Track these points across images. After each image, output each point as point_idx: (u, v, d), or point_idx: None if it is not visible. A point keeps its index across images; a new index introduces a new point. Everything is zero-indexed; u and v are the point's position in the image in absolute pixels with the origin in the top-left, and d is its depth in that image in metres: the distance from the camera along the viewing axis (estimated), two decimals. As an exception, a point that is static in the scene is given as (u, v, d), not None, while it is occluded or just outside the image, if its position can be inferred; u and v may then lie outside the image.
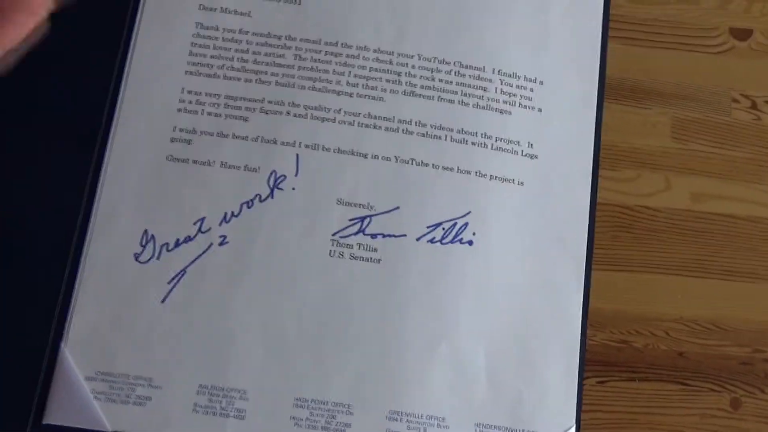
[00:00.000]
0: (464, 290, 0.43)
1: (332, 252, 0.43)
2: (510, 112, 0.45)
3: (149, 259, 0.42)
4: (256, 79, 0.45)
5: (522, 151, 0.45)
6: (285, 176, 0.43)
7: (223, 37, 0.45)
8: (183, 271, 0.42)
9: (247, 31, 0.45)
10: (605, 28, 0.47)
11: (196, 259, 0.42)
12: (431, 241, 0.43)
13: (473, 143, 0.44)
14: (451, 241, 0.43)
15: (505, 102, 0.45)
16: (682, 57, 0.48)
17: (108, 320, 0.41)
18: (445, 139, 0.44)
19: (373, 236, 0.43)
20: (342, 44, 0.45)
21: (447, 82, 0.45)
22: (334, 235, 0.43)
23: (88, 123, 0.44)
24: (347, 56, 0.45)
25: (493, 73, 0.45)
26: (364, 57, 0.45)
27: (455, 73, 0.45)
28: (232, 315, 0.42)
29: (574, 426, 0.42)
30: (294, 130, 0.44)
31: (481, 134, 0.44)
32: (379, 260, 0.43)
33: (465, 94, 0.45)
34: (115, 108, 0.44)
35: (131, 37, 0.45)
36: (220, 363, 0.41)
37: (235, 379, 0.41)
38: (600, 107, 0.46)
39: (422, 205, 0.43)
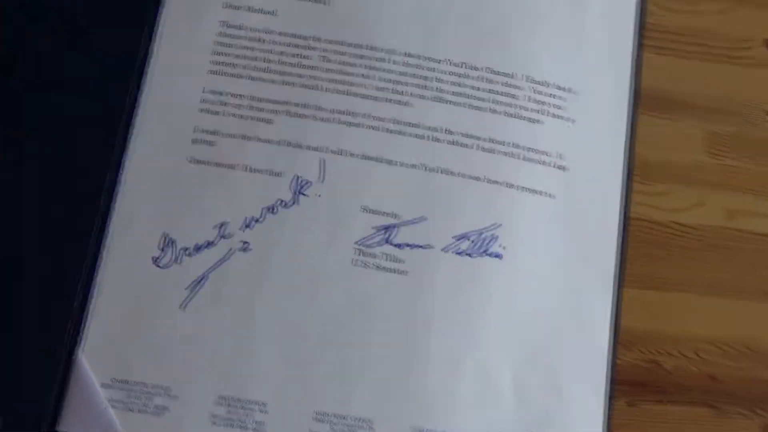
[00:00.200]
0: (491, 304, 0.42)
1: (356, 261, 0.42)
2: (540, 122, 0.44)
3: (169, 264, 0.41)
4: (281, 81, 0.44)
5: (552, 162, 0.44)
6: (310, 182, 0.42)
7: (247, 37, 0.44)
8: (203, 277, 0.41)
9: (273, 31, 0.44)
10: (639, 37, 0.46)
11: (217, 264, 0.41)
12: (458, 252, 0.42)
13: (502, 153, 0.43)
14: (480, 254, 0.42)
15: (535, 111, 0.44)
16: (715, 68, 0.47)
17: (125, 326, 0.40)
18: (474, 148, 0.43)
19: (399, 246, 0.42)
20: (369, 47, 0.44)
21: (476, 88, 0.44)
22: (357, 243, 0.42)
23: (107, 122, 0.43)
24: (375, 59, 0.44)
25: (524, 80, 0.44)
26: (392, 60, 0.44)
27: (485, 79, 0.44)
28: (253, 324, 0.41)
29: (602, 447, 0.41)
30: (319, 134, 0.43)
31: (511, 144, 0.43)
32: (405, 271, 0.42)
33: (494, 102, 0.44)
34: (136, 107, 0.43)
35: (154, 34, 0.44)
36: (239, 373, 0.40)
37: (254, 390, 0.40)
38: (632, 118, 0.45)
39: (449, 216, 0.42)
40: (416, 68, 0.44)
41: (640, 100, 0.45)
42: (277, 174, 0.42)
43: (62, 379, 0.40)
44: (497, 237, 0.42)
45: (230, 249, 0.41)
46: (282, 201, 0.42)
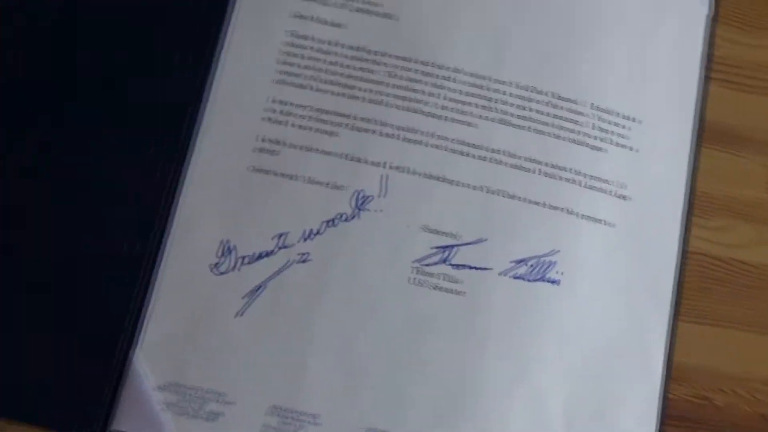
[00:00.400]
0: (547, 330, 0.42)
1: (413, 280, 0.42)
2: (604, 150, 0.44)
3: (227, 271, 0.41)
4: (346, 94, 0.44)
5: (614, 191, 0.43)
6: (371, 196, 0.42)
7: (315, 48, 0.44)
8: (260, 286, 0.41)
9: (340, 44, 0.44)
10: (706, 70, 0.46)
11: (275, 274, 0.41)
12: (516, 276, 0.42)
13: (564, 179, 0.43)
14: (537, 279, 0.42)
15: (599, 138, 0.44)
16: (780, 104, 0.47)
17: (182, 330, 0.41)
18: (536, 173, 0.43)
19: (457, 267, 0.42)
20: (436, 64, 0.44)
21: (541, 113, 0.44)
22: (415, 262, 0.42)
23: (172, 126, 0.43)
24: (441, 77, 0.44)
25: (589, 107, 0.44)
26: (457, 80, 0.44)
27: (550, 104, 0.44)
28: (309, 336, 0.41)
29: (649, 482, 0.41)
30: (382, 149, 0.43)
31: (573, 170, 0.43)
32: (462, 292, 0.42)
33: (558, 127, 0.44)
34: (201, 113, 0.43)
35: (221, 41, 0.44)
36: (293, 384, 0.40)
37: (307, 402, 0.40)
38: (696, 151, 0.44)
39: (509, 239, 0.42)
40: (482, 89, 0.44)
41: (704, 133, 0.45)
42: (339, 187, 0.42)
43: (117, 379, 0.40)
44: (555, 263, 0.42)
45: (289, 260, 0.42)
46: (342, 214, 0.42)
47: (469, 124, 0.44)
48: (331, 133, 0.43)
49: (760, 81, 0.47)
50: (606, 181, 0.43)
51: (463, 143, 0.43)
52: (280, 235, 0.42)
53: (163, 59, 0.43)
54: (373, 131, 0.43)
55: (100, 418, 0.40)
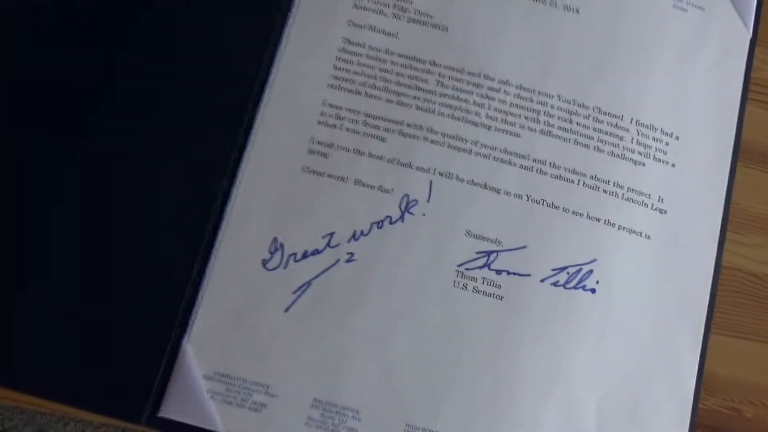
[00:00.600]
0: (583, 338, 0.43)
1: (456, 283, 0.43)
2: (644, 164, 0.45)
3: (276, 267, 0.43)
4: (397, 101, 0.45)
5: (652, 204, 0.45)
6: (417, 201, 0.44)
7: (368, 55, 0.46)
8: (308, 283, 0.43)
9: (393, 52, 0.46)
10: (745, 90, 0.47)
11: (322, 272, 0.43)
12: (555, 284, 0.43)
13: (605, 191, 0.44)
14: (575, 287, 0.43)
15: (639, 153, 0.45)
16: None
17: (231, 322, 0.42)
18: (578, 184, 0.44)
19: (498, 272, 0.43)
20: (485, 76, 0.46)
21: (584, 126, 0.45)
22: (459, 266, 0.43)
23: (228, 125, 0.44)
24: (489, 88, 0.45)
25: (631, 122, 0.46)
26: (505, 91, 0.45)
27: (593, 118, 0.45)
28: (352, 333, 0.42)
29: (679, 490, 0.42)
30: (430, 156, 0.44)
31: (614, 183, 0.45)
32: (502, 297, 0.43)
33: (601, 141, 0.45)
34: (257, 113, 0.44)
35: (279, 45, 0.45)
36: (335, 379, 0.42)
37: (349, 397, 0.42)
38: (733, 169, 0.46)
39: (549, 247, 0.44)
40: (528, 101, 0.45)
41: (741, 152, 0.46)
42: (387, 191, 0.44)
43: (167, 367, 0.42)
44: (592, 272, 0.44)
45: (336, 259, 0.43)
46: (390, 217, 0.44)
47: (514, 135, 0.45)
48: (380, 138, 0.44)
49: (797, 103, 0.48)
50: (645, 194, 0.45)
51: (507, 152, 0.45)
52: (329, 235, 0.43)
53: (222, 59, 0.45)
54: (421, 138, 0.45)
55: (150, 405, 0.41)
